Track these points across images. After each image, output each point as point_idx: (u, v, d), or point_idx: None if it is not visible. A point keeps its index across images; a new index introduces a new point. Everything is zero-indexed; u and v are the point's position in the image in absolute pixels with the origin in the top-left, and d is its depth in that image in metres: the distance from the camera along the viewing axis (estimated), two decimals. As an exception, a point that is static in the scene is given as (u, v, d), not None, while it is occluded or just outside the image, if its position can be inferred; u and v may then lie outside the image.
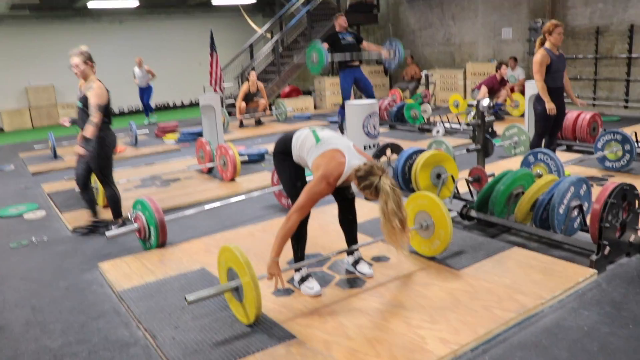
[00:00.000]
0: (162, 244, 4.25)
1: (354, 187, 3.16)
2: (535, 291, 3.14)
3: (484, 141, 4.30)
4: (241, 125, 11.18)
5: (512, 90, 10.48)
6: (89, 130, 4.43)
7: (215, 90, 12.66)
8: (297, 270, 3.33)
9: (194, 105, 16.84)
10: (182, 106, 16.88)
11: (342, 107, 7.84)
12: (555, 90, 5.16)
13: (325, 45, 7.70)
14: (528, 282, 3.27)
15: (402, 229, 2.75)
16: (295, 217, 2.94)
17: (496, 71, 9.33)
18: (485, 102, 4.16)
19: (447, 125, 8.84)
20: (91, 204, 4.91)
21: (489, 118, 4.32)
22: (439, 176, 4.81)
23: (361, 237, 3.77)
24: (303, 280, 3.30)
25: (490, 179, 4.40)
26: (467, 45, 12.80)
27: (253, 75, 11.17)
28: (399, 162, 4.99)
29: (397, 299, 3.16)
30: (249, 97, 11.17)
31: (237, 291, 2.95)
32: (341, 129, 8.20)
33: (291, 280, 3.44)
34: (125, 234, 4.28)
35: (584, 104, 5.66)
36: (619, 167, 5.65)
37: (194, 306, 3.09)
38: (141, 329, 3.04)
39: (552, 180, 3.96)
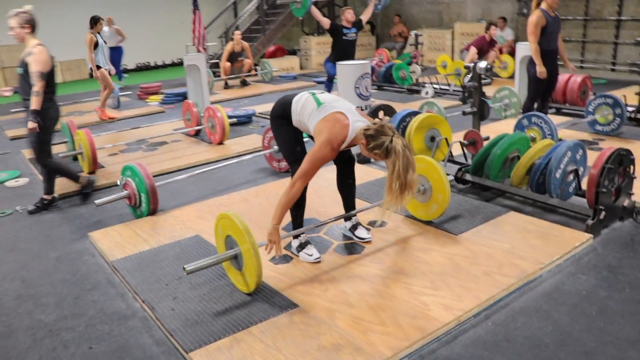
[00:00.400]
0: (153, 211, 4.17)
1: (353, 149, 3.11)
2: (533, 256, 3.15)
3: (480, 104, 4.24)
4: (226, 86, 10.96)
5: (500, 51, 10.38)
6: (34, 102, 4.14)
7: (198, 49, 12.36)
8: (296, 237, 3.29)
9: (177, 65, 16.44)
10: (164, 66, 16.46)
11: (329, 80, 7.67)
12: (549, 53, 5.10)
13: (320, 15, 7.40)
14: (526, 247, 3.27)
15: (400, 194, 2.69)
16: (299, 184, 2.88)
17: (485, 32, 9.19)
18: (483, 64, 4.09)
19: (436, 86, 8.77)
20: (69, 174, 4.73)
21: (485, 81, 4.26)
22: (432, 139, 4.76)
23: (357, 202, 3.73)
24: (302, 246, 3.26)
25: (485, 143, 4.36)
26: (455, 5, 12.60)
27: (238, 34, 10.89)
28: (393, 124, 4.92)
29: (397, 264, 3.15)
30: (233, 57, 10.91)
31: (236, 260, 2.90)
32: None
33: (289, 247, 3.41)
34: (115, 200, 4.19)
35: (575, 69, 5.62)
36: (609, 130, 5.65)
37: (192, 275, 3.04)
38: (138, 300, 2.99)
39: (549, 144, 3.94)
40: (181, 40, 15.09)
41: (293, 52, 14.75)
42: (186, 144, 6.40)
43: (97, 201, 4.08)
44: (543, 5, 5.03)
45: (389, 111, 5.34)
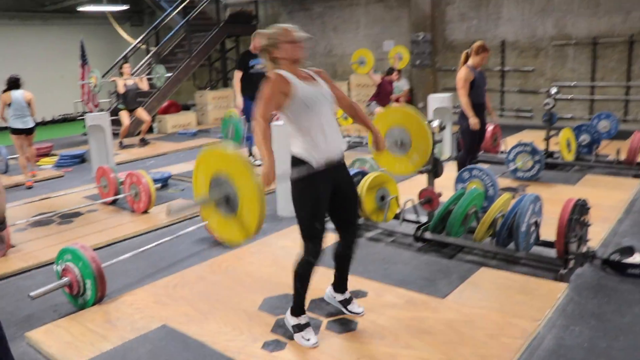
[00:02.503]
0: (100, 298, 3.67)
1: None
2: (526, 313, 3.18)
3: (434, 162, 4.31)
4: (122, 145, 10.21)
5: (397, 101, 10.87)
6: None
7: (88, 107, 11.62)
8: (295, 314, 3.02)
9: (58, 121, 15.29)
10: (44, 123, 15.19)
11: (250, 130, 7.50)
12: (479, 106, 5.37)
13: (239, 75, 7.32)
14: (514, 304, 3.31)
15: None
16: (259, 118, 2.76)
17: (387, 75, 9.49)
18: (437, 122, 4.18)
19: (348, 138, 8.91)
20: None
21: (436, 138, 4.34)
22: (382, 198, 4.75)
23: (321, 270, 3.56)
24: (301, 328, 2.99)
25: (440, 199, 4.43)
26: (349, 57, 13.00)
27: (127, 67, 10.19)
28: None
29: (401, 338, 3.01)
30: (128, 99, 10.10)
31: (227, 203, 2.53)
32: (251, 153, 7.80)
33: (281, 323, 3.14)
34: (53, 290, 3.64)
35: (497, 119, 5.97)
36: (530, 176, 6.04)
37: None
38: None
39: (508, 199, 4.09)
40: (62, 95, 14.17)
41: (187, 108, 14.36)
42: (106, 214, 5.82)
43: (32, 293, 3.51)
44: (470, 62, 5.31)
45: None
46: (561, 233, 3.59)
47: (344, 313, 3.30)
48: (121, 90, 9.91)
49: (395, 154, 3.58)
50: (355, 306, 3.30)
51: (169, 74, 10.81)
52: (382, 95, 9.43)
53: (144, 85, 10.31)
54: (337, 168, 2.94)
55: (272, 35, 2.88)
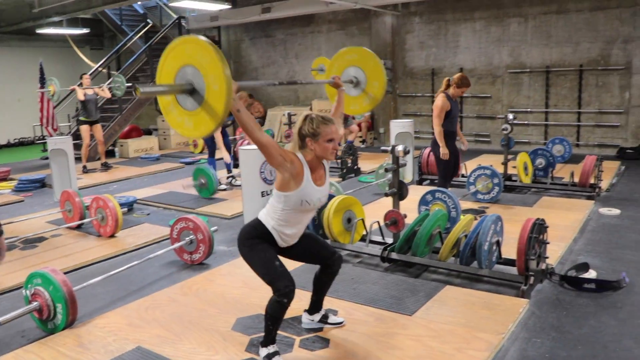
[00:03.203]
0: (71, 322, 3.64)
1: None
2: (491, 327, 3.33)
3: (399, 185, 4.47)
4: (85, 169, 10.09)
5: (359, 126, 11.14)
6: None
7: (47, 130, 11.46)
8: (265, 345, 3.03)
9: (14, 145, 14.95)
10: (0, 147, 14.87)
11: (212, 157, 7.86)
12: (451, 134, 5.58)
13: None
14: (479, 319, 3.45)
15: None
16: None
17: None
18: (401, 147, 4.35)
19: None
20: None
21: (402, 162, 4.51)
22: (349, 220, 4.88)
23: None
24: (269, 357, 3.00)
25: (406, 220, 4.58)
26: (311, 84, 13.31)
27: (87, 78, 10.08)
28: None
29: (371, 354, 3.10)
30: (89, 108, 9.88)
31: (192, 94, 2.51)
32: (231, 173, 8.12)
33: (255, 342, 3.19)
34: (21, 315, 3.58)
35: (467, 146, 6.18)
36: (490, 199, 6.29)
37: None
38: None
39: (470, 220, 4.28)
40: (19, 118, 13.95)
41: (149, 132, 14.29)
42: (71, 239, 5.74)
43: (0, 318, 3.46)
44: (450, 92, 5.50)
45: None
46: (521, 251, 3.78)
47: (317, 330, 3.37)
48: (81, 97, 9.77)
49: (349, 94, 3.66)
50: (335, 317, 3.43)
51: (128, 84, 10.76)
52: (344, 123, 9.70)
53: (106, 94, 10.32)
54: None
55: (316, 125, 2.82)
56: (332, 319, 3.42)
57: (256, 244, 2.96)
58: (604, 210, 5.95)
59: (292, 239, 3.07)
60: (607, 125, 9.79)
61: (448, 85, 5.55)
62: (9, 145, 15.15)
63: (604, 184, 6.97)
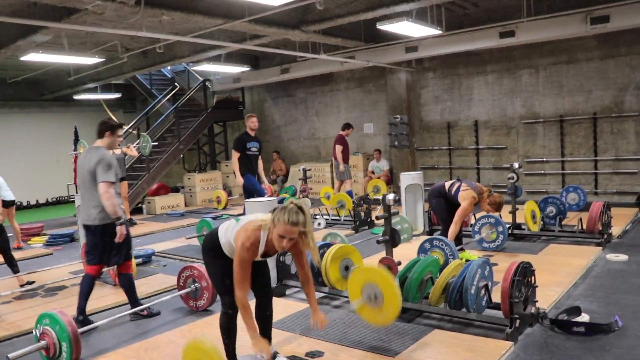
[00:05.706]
0: (74, 361, 3.84)
1: None
2: (470, 370, 3.36)
3: (391, 233, 4.60)
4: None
5: (378, 178, 11.32)
6: None
7: (78, 189, 11.97)
8: None
9: (51, 204, 15.68)
10: (38, 205, 15.59)
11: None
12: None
13: (237, 155, 7.90)
14: (460, 361, 3.49)
15: None
16: (240, 293, 3.11)
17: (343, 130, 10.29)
18: (391, 196, 4.51)
19: (327, 217, 9.24)
20: None
21: (393, 211, 4.66)
22: (347, 268, 4.99)
23: (279, 333, 3.90)
24: None
25: (399, 267, 4.67)
26: (331, 140, 13.59)
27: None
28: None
29: (348, 395, 3.17)
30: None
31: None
32: None
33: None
34: (30, 352, 3.81)
35: None
36: (495, 247, 6.31)
37: None
38: None
39: (459, 264, 4.34)
40: (57, 178, 14.63)
41: (176, 190, 14.77)
42: (86, 289, 6.00)
43: (10, 355, 3.68)
44: (481, 203, 5.99)
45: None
46: (505, 293, 3.82)
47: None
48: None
49: (373, 307, 3.78)
50: (282, 358, 3.57)
51: (154, 143, 11.35)
52: (345, 149, 10.27)
53: (133, 152, 10.81)
54: None
55: (279, 217, 3.03)
56: (279, 359, 3.56)
57: (217, 256, 3.37)
58: (611, 256, 5.89)
59: None
60: (625, 172, 9.71)
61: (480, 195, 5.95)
62: (47, 204, 15.89)
63: (615, 231, 6.90)
